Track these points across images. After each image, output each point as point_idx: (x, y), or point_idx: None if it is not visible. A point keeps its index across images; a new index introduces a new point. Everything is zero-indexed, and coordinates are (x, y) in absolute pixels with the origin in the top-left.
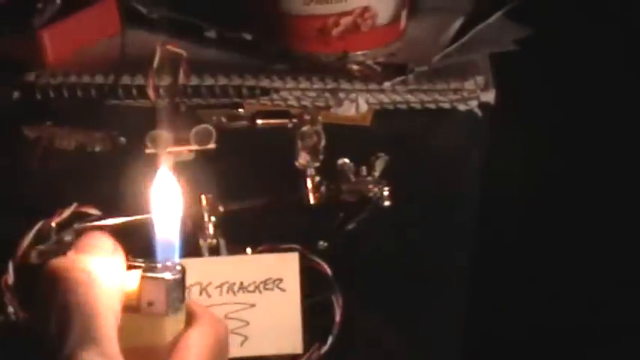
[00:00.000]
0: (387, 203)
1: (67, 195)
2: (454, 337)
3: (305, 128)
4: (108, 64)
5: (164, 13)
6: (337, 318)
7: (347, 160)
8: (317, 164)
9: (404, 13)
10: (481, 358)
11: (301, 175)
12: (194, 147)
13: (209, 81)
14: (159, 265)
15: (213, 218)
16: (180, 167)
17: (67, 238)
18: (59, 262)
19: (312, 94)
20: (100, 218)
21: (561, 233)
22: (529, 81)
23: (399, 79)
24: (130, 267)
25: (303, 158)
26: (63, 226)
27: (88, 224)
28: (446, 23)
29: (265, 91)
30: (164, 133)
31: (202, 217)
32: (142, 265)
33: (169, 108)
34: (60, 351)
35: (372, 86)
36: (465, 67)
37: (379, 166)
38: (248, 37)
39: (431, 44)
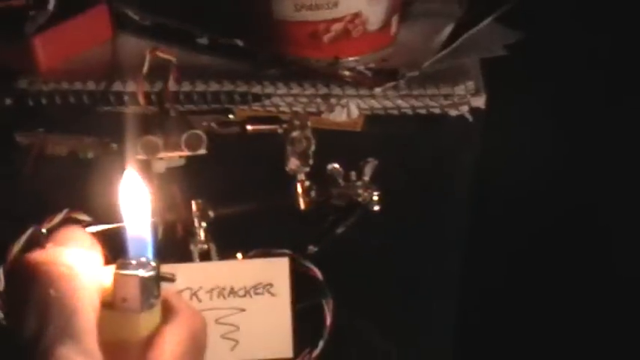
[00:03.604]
0: (376, 208)
1: (59, 201)
2: (444, 340)
3: (295, 134)
4: (100, 71)
5: (156, 19)
6: (328, 322)
7: (336, 165)
8: (307, 169)
9: (395, 19)
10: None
11: (291, 180)
12: (185, 153)
13: (201, 87)
14: (133, 262)
15: (203, 223)
16: (172, 173)
17: None
18: (38, 255)
19: (304, 99)
20: (90, 224)
21: (554, 239)
22: (520, 86)
23: (390, 84)
24: (106, 263)
25: (293, 163)
26: (54, 232)
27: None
28: (437, 29)
29: (257, 97)
30: (155, 139)
31: (193, 223)
32: (116, 262)
33: (160, 114)
34: (38, 346)
35: (363, 92)
36: (456, 73)
37: (368, 170)
38: (240, 43)
39: (422, 50)
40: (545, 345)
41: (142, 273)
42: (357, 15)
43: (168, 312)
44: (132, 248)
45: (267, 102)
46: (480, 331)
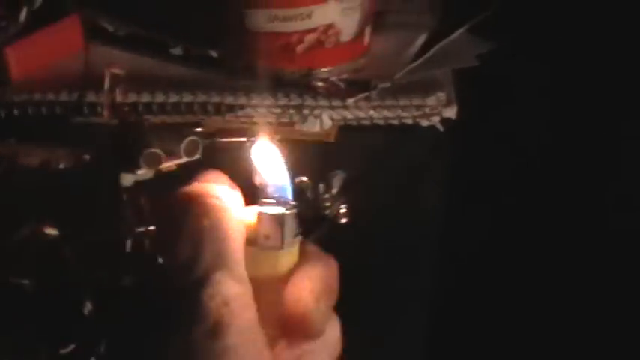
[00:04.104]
0: (343, 221)
1: (31, 213)
2: (418, 353)
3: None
4: (73, 81)
5: (130, 30)
6: None
7: (304, 178)
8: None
9: (368, 30)
10: None
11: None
12: (183, 160)
13: (174, 98)
14: (274, 202)
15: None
16: (140, 187)
17: (26, 256)
18: (191, 188)
19: (277, 110)
20: (60, 237)
21: (527, 249)
22: (493, 96)
23: (362, 95)
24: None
25: (259, 177)
26: (22, 245)
27: (47, 243)
28: (410, 40)
29: (230, 108)
30: (158, 152)
31: None
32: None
33: (123, 127)
34: (193, 272)
35: (336, 102)
36: (428, 83)
37: (336, 183)
38: (214, 54)
39: (395, 61)
40: (516, 354)
41: (283, 211)
42: (330, 26)
43: (304, 253)
44: (273, 189)
45: (240, 112)
46: (452, 347)
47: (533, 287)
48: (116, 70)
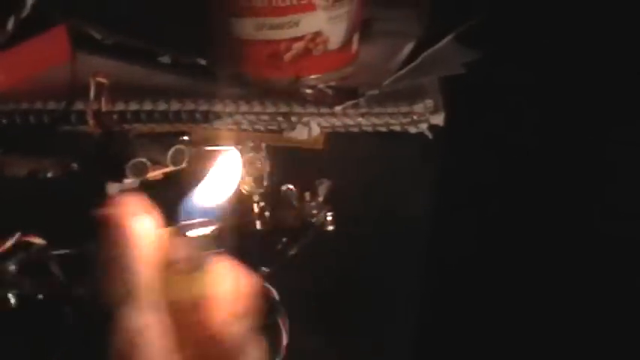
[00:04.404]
0: (330, 228)
1: (18, 222)
2: (406, 357)
3: (249, 155)
4: (60, 90)
5: (118, 38)
6: (284, 342)
7: (291, 186)
8: (261, 190)
9: (355, 38)
10: None
11: (247, 201)
12: (169, 169)
13: (162, 106)
14: (187, 225)
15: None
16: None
17: (11, 267)
18: (102, 216)
19: (265, 117)
20: (45, 247)
21: (516, 253)
22: (481, 102)
23: (350, 102)
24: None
25: (247, 184)
26: (6, 255)
27: (32, 254)
28: (397, 47)
29: (219, 116)
30: (144, 161)
31: None
32: (173, 224)
33: (104, 136)
34: (103, 304)
35: (324, 110)
36: (415, 91)
37: (322, 190)
38: (202, 62)
39: (382, 68)
40: None
41: (195, 235)
42: (317, 34)
43: (222, 273)
44: (186, 213)
45: (228, 120)
46: (440, 351)
47: (523, 291)
48: (101, 79)
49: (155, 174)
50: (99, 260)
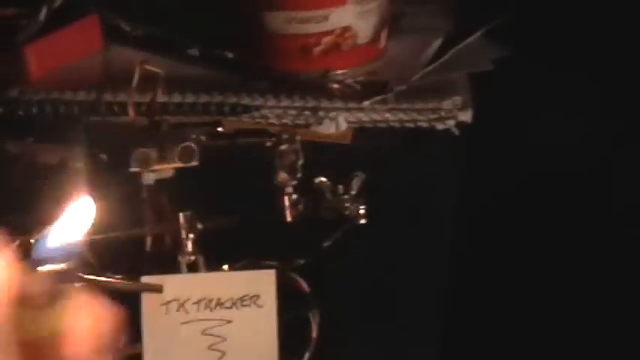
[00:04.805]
0: (362, 221)
1: (50, 211)
2: (430, 353)
3: (283, 147)
4: (91, 81)
5: (147, 30)
6: (314, 334)
7: (324, 179)
8: (295, 182)
9: (384, 33)
10: None
11: (279, 192)
12: (178, 165)
13: (191, 98)
14: (41, 261)
15: (191, 235)
16: (160, 185)
17: None
18: None
19: (293, 112)
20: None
21: (541, 253)
22: (508, 100)
23: (378, 98)
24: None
25: (281, 176)
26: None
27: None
28: (426, 43)
29: (246, 109)
30: (149, 152)
31: (180, 234)
32: (25, 260)
33: (151, 126)
34: None
35: (352, 105)
36: (444, 87)
37: (356, 184)
38: (230, 55)
39: (410, 64)
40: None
41: (53, 268)
42: (346, 29)
43: (79, 307)
44: (40, 249)
45: (256, 114)
46: (467, 344)
47: (549, 292)
48: (154, 69)
49: (164, 168)
50: None
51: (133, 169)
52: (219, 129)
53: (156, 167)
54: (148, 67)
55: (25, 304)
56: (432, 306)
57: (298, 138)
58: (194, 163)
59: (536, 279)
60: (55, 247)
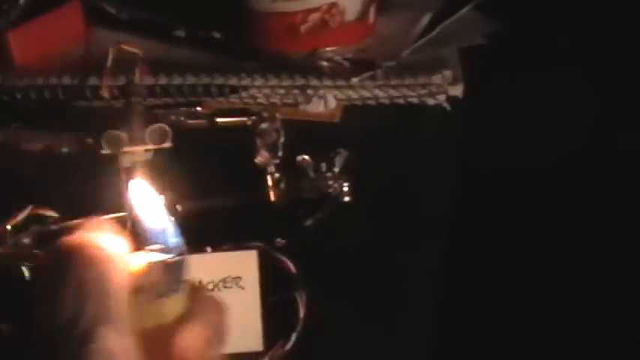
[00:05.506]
0: (346, 199)
1: (34, 197)
2: (422, 334)
3: (264, 125)
4: (75, 66)
5: (133, 13)
6: (301, 315)
7: (306, 157)
8: (276, 161)
9: (372, 9)
10: (450, 354)
11: (262, 172)
12: (150, 146)
13: (178, 80)
14: (157, 250)
15: (171, 218)
16: (139, 167)
17: (25, 240)
18: (74, 238)
19: (281, 91)
20: (58, 220)
21: (535, 229)
22: (500, 75)
23: (367, 74)
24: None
25: (262, 156)
26: (20, 228)
27: (46, 226)
28: (415, 19)
29: (234, 90)
30: (120, 133)
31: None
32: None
33: (126, 108)
34: (77, 326)
35: (341, 82)
36: (434, 62)
37: (339, 161)
38: (217, 35)
39: (400, 40)
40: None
41: (167, 259)
42: (333, 5)
43: (194, 299)
44: (155, 236)
45: (244, 94)
46: (458, 324)
47: (549, 267)
48: (132, 49)
49: (137, 149)
50: (72, 281)
51: (105, 152)
52: (198, 109)
53: (128, 149)
54: (126, 48)
55: (144, 292)
56: (423, 286)
57: (278, 116)
58: (167, 145)
59: (535, 258)
60: (165, 235)
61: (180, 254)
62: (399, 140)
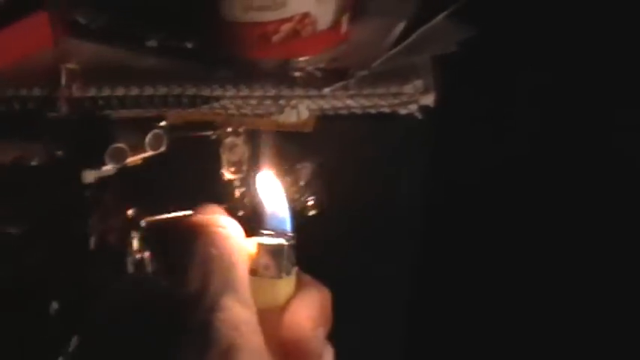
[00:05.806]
0: (312, 213)
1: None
2: (394, 343)
3: (229, 140)
4: (46, 76)
5: (104, 22)
6: None
7: (270, 171)
8: (241, 175)
9: (346, 18)
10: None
11: (230, 186)
12: (148, 153)
13: (149, 91)
14: (272, 233)
15: (136, 232)
16: (106, 181)
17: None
18: (196, 218)
19: (253, 101)
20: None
21: (509, 237)
22: (473, 83)
23: (339, 84)
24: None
25: (227, 170)
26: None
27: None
28: (388, 27)
29: (205, 100)
30: (123, 147)
31: (125, 233)
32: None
33: (81, 122)
34: (203, 298)
35: (313, 92)
36: (406, 71)
37: (304, 175)
38: (189, 45)
39: (373, 48)
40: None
41: (282, 242)
42: (306, 15)
43: (300, 282)
44: (271, 220)
45: (216, 105)
46: (431, 334)
47: (517, 279)
48: (71, 65)
49: (134, 159)
50: (199, 256)
51: (106, 167)
52: (163, 123)
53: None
54: (69, 66)
55: (260, 274)
56: (398, 297)
57: (242, 130)
58: (162, 149)
59: (506, 266)
60: (280, 221)
61: (293, 239)
62: (372, 150)
